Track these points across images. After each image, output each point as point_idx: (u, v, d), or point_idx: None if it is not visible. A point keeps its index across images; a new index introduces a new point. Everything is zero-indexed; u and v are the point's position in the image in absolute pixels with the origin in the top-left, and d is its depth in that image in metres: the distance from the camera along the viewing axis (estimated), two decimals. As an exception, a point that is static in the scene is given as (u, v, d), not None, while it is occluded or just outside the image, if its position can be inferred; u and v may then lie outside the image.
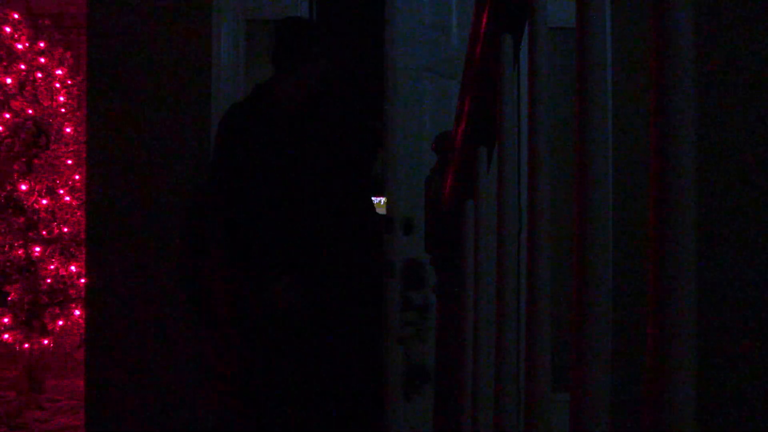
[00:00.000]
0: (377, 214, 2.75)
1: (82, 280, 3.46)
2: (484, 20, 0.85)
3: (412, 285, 2.04)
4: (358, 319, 2.38)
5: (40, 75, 3.72)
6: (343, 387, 2.33)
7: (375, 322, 2.36)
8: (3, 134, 3.58)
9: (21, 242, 3.56)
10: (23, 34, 3.72)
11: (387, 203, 2.19)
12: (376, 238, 2.52)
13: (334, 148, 2.28)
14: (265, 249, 1.90)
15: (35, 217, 3.59)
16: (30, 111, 3.65)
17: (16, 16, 3.71)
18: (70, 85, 3.84)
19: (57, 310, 3.59)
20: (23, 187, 3.58)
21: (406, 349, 2.11)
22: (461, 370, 1.03)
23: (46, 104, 3.71)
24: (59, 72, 3.79)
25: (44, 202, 3.63)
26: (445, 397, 1.24)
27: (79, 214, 3.68)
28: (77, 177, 3.78)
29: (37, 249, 3.56)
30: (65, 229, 3.67)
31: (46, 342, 3.58)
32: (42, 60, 3.74)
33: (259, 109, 1.98)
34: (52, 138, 3.72)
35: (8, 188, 3.58)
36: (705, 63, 2.30)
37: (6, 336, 3.50)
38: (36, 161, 3.68)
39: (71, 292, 3.62)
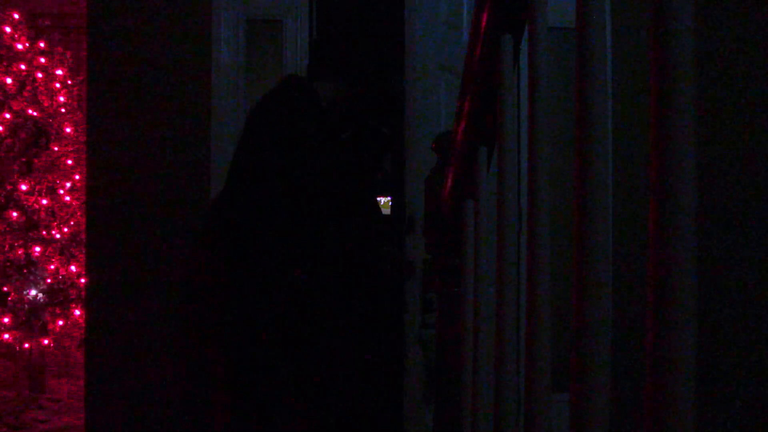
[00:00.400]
0: (382, 215, 2.76)
1: (82, 280, 3.46)
2: (484, 20, 0.85)
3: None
4: (369, 319, 2.38)
5: (40, 75, 3.72)
6: (351, 390, 2.33)
7: (384, 323, 2.36)
8: (3, 134, 3.59)
9: (21, 242, 3.56)
10: (23, 34, 3.72)
11: (406, 203, 2.19)
12: (381, 238, 2.52)
13: (343, 149, 2.28)
14: (272, 246, 1.89)
15: (35, 217, 3.60)
16: (30, 111, 3.65)
17: (16, 16, 3.71)
18: (70, 85, 3.84)
19: (57, 310, 3.60)
20: (23, 187, 3.58)
21: (426, 352, 2.11)
22: (461, 370, 1.03)
23: (46, 104, 3.71)
24: (59, 72, 3.79)
25: (44, 202, 3.63)
26: (446, 397, 1.24)
27: (79, 214, 3.68)
28: (77, 177, 3.78)
29: (37, 249, 3.57)
30: (65, 229, 3.67)
31: (46, 342, 3.58)
32: (42, 60, 3.75)
33: (294, 96, 1.92)
34: (52, 138, 3.72)
35: (8, 188, 3.58)
36: (705, 63, 2.30)
37: (6, 336, 3.51)
38: (36, 161, 3.68)
39: (71, 292, 3.62)
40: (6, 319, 3.49)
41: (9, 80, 3.61)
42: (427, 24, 2.19)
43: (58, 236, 3.63)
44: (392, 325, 2.37)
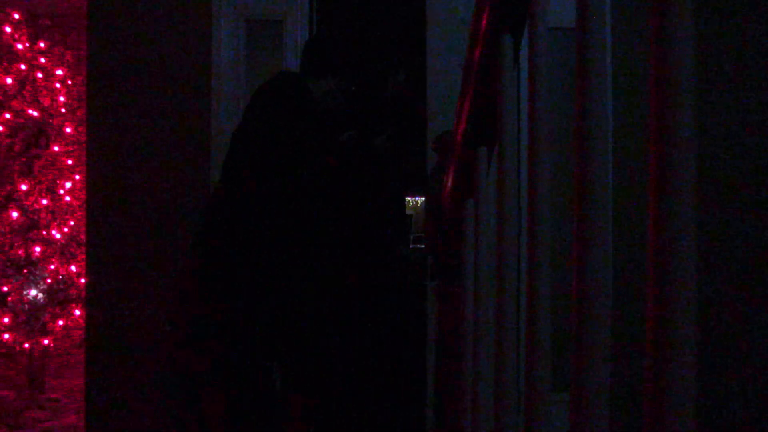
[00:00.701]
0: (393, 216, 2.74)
1: (82, 280, 3.47)
2: (484, 20, 0.85)
3: None
4: (377, 322, 2.36)
5: (40, 75, 3.72)
6: (366, 393, 2.32)
7: (403, 326, 2.35)
8: (3, 134, 3.59)
9: (21, 242, 3.56)
10: (23, 34, 3.72)
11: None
12: (399, 237, 2.51)
13: (343, 149, 2.28)
14: (284, 240, 1.89)
15: (35, 217, 3.60)
16: (30, 111, 3.65)
17: (16, 16, 3.71)
18: (70, 85, 3.84)
19: (57, 310, 3.60)
20: (23, 187, 3.58)
21: None
22: (461, 370, 1.03)
23: (46, 104, 3.71)
24: (59, 72, 3.79)
25: (44, 202, 3.63)
26: (446, 396, 1.24)
27: (79, 214, 3.68)
28: (77, 177, 3.78)
29: (37, 249, 3.57)
30: (65, 229, 3.68)
31: (46, 342, 3.58)
32: (42, 60, 3.75)
33: (290, 90, 1.93)
34: (52, 138, 3.72)
35: (8, 188, 3.58)
36: (705, 63, 2.30)
37: (6, 336, 3.50)
38: (36, 161, 3.68)
39: (71, 292, 3.62)
40: (6, 319, 3.49)
41: (9, 80, 3.61)
42: (446, 23, 2.20)
43: (58, 236, 3.63)
44: (414, 329, 2.36)
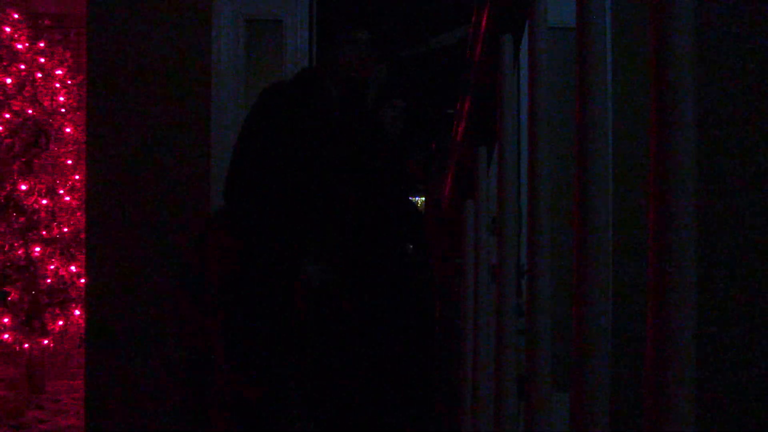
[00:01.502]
0: (417, 211, 2.73)
1: (82, 280, 3.46)
2: (484, 20, 0.85)
3: None
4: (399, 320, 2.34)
5: (40, 75, 3.72)
6: (376, 389, 2.29)
7: (416, 324, 2.33)
8: (3, 134, 3.58)
9: (21, 242, 3.56)
10: (23, 34, 3.71)
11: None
12: (415, 235, 2.50)
13: (374, 143, 2.27)
14: (294, 235, 1.91)
15: (35, 217, 3.59)
16: (30, 111, 3.65)
17: (16, 16, 3.71)
18: (70, 85, 3.84)
19: (57, 310, 3.59)
20: (23, 187, 3.58)
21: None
22: (462, 370, 1.03)
23: (46, 104, 3.71)
24: (59, 72, 3.79)
25: (44, 202, 3.63)
26: (446, 398, 1.24)
27: (79, 214, 3.68)
28: (77, 177, 3.78)
29: (37, 249, 3.56)
30: (65, 229, 3.67)
31: (46, 342, 3.58)
32: (42, 60, 3.74)
33: (308, 93, 1.98)
34: (52, 138, 3.72)
35: (8, 188, 3.58)
36: (705, 63, 2.30)
37: (6, 336, 3.50)
38: (36, 161, 3.68)
39: (71, 292, 3.62)
40: (6, 320, 3.48)
41: (9, 80, 3.61)
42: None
43: (58, 236, 3.63)
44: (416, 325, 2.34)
